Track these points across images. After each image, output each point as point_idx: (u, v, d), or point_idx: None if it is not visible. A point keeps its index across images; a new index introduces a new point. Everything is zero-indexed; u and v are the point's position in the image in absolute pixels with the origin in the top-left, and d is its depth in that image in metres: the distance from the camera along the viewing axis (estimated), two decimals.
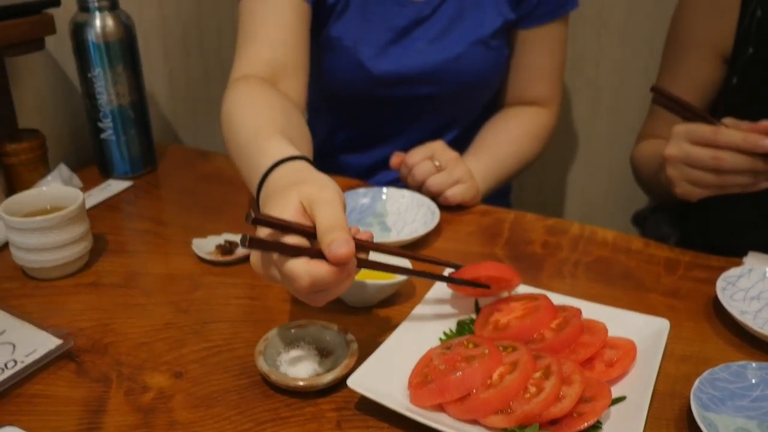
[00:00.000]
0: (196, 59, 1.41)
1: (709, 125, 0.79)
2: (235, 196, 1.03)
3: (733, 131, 0.77)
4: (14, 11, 0.92)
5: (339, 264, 0.55)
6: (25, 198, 0.85)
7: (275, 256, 0.57)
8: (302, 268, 0.54)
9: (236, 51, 0.97)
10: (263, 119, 0.79)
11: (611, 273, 0.84)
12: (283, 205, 0.58)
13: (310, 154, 0.81)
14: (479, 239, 0.92)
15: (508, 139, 1.10)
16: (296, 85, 0.95)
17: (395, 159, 1.00)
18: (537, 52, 1.11)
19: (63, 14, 1.02)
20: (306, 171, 0.64)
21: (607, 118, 1.45)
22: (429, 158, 0.97)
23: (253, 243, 0.54)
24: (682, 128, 0.82)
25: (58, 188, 0.88)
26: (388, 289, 0.75)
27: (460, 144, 1.10)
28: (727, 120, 0.80)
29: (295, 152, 0.67)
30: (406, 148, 1.02)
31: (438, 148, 0.98)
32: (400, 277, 0.75)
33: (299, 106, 0.95)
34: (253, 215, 0.55)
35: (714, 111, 1.03)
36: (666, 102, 0.85)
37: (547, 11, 1.07)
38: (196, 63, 1.41)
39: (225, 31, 1.45)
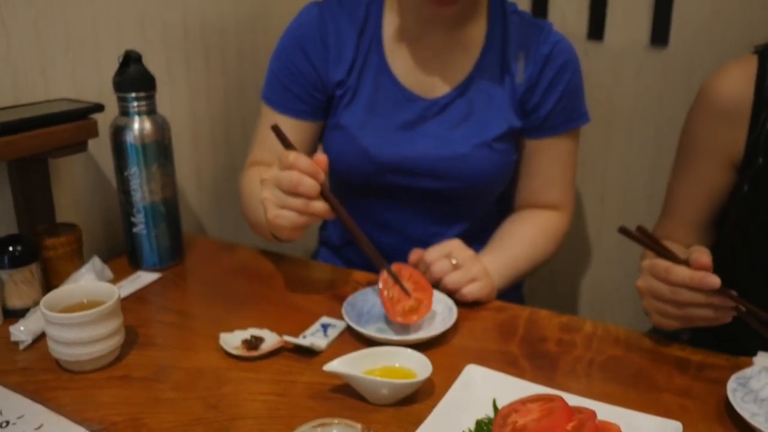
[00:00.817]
0: (222, 153, 1.49)
1: (666, 262, 0.83)
2: (259, 290, 1.08)
3: (682, 269, 0.81)
4: (63, 117, 0.99)
5: (318, 163, 0.87)
6: (62, 293, 0.89)
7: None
8: (293, 152, 0.87)
9: (250, 145, 1.22)
10: None
11: (624, 372, 0.86)
12: None
13: None
14: (495, 336, 0.95)
15: (522, 240, 1.13)
16: None
17: (414, 256, 1.04)
18: (548, 161, 1.15)
19: (104, 118, 1.09)
20: None
21: (616, 214, 1.49)
22: (446, 256, 1.00)
23: (275, 128, 0.92)
24: (648, 263, 0.87)
25: (95, 284, 0.93)
26: (409, 388, 0.78)
27: (470, 238, 1.10)
28: (693, 249, 0.84)
29: None
30: (414, 240, 1.05)
31: (455, 246, 1.02)
32: (420, 377, 0.78)
33: None
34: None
35: (726, 215, 1.06)
36: (636, 239, 0.88)
37: (557, 124, 1.12)
38: (222, 157, 1.49)
39: (249, 126, 1.52)
